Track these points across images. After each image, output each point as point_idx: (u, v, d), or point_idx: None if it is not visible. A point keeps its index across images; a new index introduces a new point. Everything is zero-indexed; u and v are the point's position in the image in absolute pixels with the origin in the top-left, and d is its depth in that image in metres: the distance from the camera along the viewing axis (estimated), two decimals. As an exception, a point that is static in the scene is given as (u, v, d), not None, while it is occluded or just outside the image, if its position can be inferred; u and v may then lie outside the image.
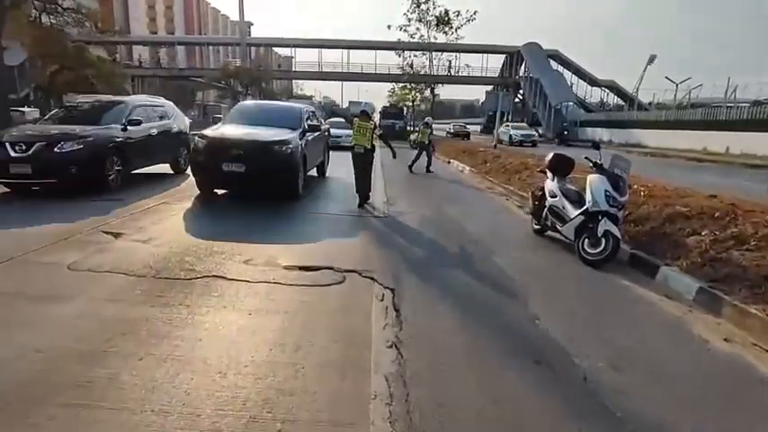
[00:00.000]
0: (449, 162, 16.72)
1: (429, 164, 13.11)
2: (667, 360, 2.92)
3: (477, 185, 11.27)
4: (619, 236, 4.80)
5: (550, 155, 6.23)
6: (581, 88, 47.84)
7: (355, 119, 7.41)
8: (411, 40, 31.09)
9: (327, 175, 10.61)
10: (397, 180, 10.99)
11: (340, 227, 6.10)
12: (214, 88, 59.28)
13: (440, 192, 9.90)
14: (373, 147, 7.29)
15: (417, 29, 30.45)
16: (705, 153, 21.95)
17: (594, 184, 5.05)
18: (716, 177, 11.51)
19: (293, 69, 55.34)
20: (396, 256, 4.86)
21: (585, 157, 5.40)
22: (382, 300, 3.60)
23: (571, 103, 42.20)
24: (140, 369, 2.45)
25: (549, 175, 6.09)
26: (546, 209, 5.86)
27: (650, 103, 45.66)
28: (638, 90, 44.75)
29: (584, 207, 5.09)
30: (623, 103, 46.64)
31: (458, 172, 14.42)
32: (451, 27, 30.03)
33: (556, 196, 5.70)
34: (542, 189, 6.16)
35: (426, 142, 13.10)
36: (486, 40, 48.59)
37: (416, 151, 13.33)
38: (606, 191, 4.93)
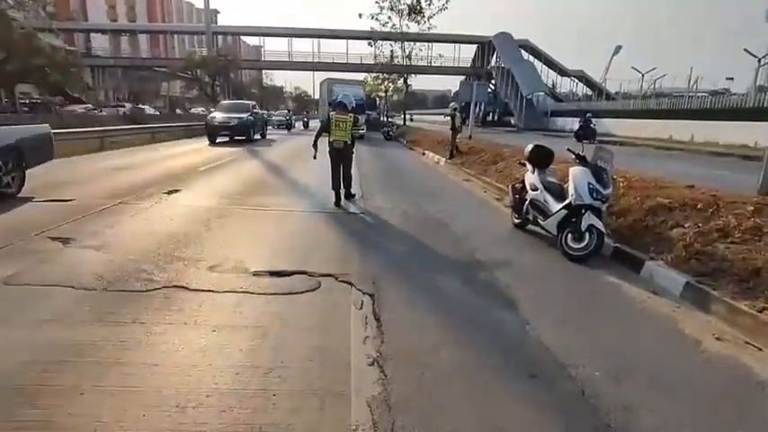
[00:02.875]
0: (423, 153, 16.52)
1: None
2: (664, 366, 2.76)
3: (454, 177, 11.10)
4: (603, 230, 4.67)
5: (530, 146, 6.05)
6: (551, 78, 48.50)
7: (331, 113, 6.98)
8: (383, 29, 30.58)
9: (292, 167, 10.23)
10: (370, 173, 10.68)
11: (314, 225, 5.77)
12: (180, 79, 56.98)
13: (416, 184, 9.66)
14: (353, 142, 6.99)
15: (389, 17, 29.97)
16: (672, 141, 22.46)
17: (577, 177, 4.89)
18: (687, 166, 11.67)
19: (262, 59, 53.82)
20: (373, 256, 4.58)
21: (568, 149, 5.24)
22: (361, 308, 3.32)
23: (542, 93, 42.68)
24: (81, 407, 2.09)
25: (529, 167, 5.91)
26: (527, 202, 5.69)
27: (617, 93, 46.73)
28: (605, 80, 45.71)
29: (567, 201, 4.93)
30: (591, 93, 47.54)
31: (433, 163, 14.23)
32: (423, 16, 29.67)
33: (537, 189, 5.53)
34: (522, 182, 5.99)
35: (458, 125, 13.97)
36: (459, 30, 48.43)
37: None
38: (590, 184, 4.77)
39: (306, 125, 36.65)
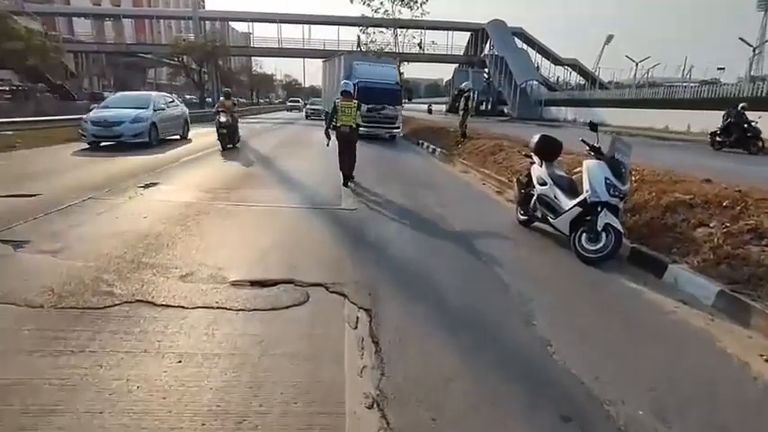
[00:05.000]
0: (418, 143, 16.00)
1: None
2: (716, 398, 2.35)
3: (451, 169, 10.63)
4: (621, 230, 4.24)
5: (537, 137, 5.57)
6: (545, 67, 47.91)
7: (336, 100, 7.47)
8: (374, 15, 29.74)
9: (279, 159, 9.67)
10: (362, 166, 10.15)
11: (301, 223, 5.26)
12: (166, 66, 55.36)
13: (412, 176, 9.15)
14: (358, 126, 7.50)
15: (381, 3, 29.11)
16: (668, 131, 22.22)
17: (593, 172, 4.44)
18: (688, 156, 11.32)
19: (251, 45, 52.42)
20: (369, 261, 4.09)
21: (582, 140, 4.79)
22: (356, 327, 2.85)
23: (536, 82, 42.17)
24: (-7, 481, 1.61)
25: (537, 159, 5.45)
26: (534, 198, 5.25)
27: (610, 82, 46.41)
28: (598, 69, 45.32)
29: (582, 197, 4.49)
30: (584, 82, 47.13)
31: (428, 154, 13.74)
32: (416, 2, 28.88)
33: (545, 184, 5.09)
34: (528, 175, 5.53)
35: (468, 107, 13.67)
36: (452, 17, 47.57)
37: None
38: (607, 179, 4.33)
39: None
